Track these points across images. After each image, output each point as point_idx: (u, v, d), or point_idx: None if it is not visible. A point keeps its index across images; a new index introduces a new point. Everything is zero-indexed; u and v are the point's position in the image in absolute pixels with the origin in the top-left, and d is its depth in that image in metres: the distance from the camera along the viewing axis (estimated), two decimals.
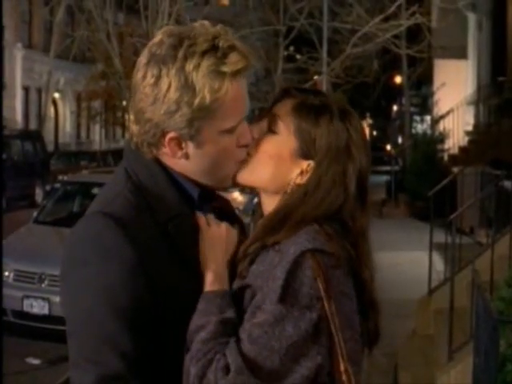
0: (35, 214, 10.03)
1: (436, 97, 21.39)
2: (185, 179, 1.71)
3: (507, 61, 16.61)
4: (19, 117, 33.36)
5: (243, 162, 1.71)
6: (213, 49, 1.60)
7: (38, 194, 22.85)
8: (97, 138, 40.78)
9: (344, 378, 1.56)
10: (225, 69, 1.60)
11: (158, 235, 1.63)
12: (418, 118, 30.45)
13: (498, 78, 16.93)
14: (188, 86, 1.58)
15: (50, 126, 35.49)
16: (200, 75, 1.58)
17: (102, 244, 1.58)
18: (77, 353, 1.59)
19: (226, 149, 1.67)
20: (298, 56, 22.18)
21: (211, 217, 1.74)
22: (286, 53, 20.50)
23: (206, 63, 1.59)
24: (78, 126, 41.05)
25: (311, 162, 1.66)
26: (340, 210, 1.66)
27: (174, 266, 1.64)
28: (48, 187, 19.78)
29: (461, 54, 20.21)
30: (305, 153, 1.67)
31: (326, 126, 1.66)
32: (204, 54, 1.59)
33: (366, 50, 18.10)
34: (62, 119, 39.19)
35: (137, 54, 12.79)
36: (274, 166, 1.68)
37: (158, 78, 1.60)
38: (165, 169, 1.69)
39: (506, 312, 5.34)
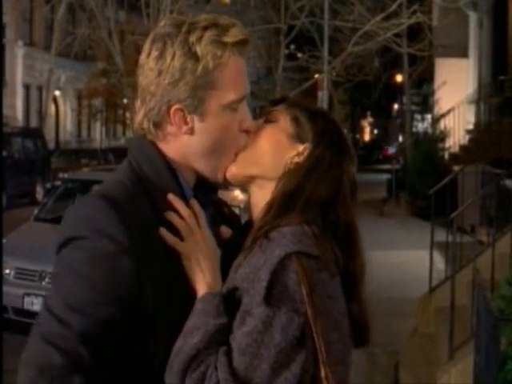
0: (36, 211, 10.04)
1: (437, 95, 21.39)
2: (182, 173, 1.73)
3: (508, 59, 16.62)
4: (20, 115, 33.39)
5: (238, 153, 1.74)
6: (214, 25, 1.68)
7: (39, 192, 22.87)
8: (97, 136, 40.81)
9: (325, 383, 1.56)
10: (226, 39, 1.67)
11: (154, 224, 1.64)
12: (418, 116, 30.46)
13: (499, 77, 16.94)
14: (192, 54, 1.66)
15: (50, 123, 35.50)
16: (203, 44, 1.66)
17: (94, 223, 1.60)
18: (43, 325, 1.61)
19: (228, 127, 1.71)
20: (299, 54, 22.18)
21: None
22: (287, 51, 20.50)
23: (209, 34, 1.67)
24: (79, 123, 41.07)
25: (308, 144, 1.71)
26: (336, 196, 1.68)
27: (167, 256, 1.64)
28: (49, 185, 19.81)
29: (462, 52, 20.22)
30: (301, 138, 1.72)
31: (321, 119, 1.75)
32: (206, 28, 1.67)
33: (367, 48, 18.11)
34: (63, 117, 39.21)
35: (138, 51, 12.80)
36: (273, 151, 1.72)
37: (163, 50, 1.67)
38: (168, 163, 1.72)
39: (507, 311, 5.35)
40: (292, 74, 21.76)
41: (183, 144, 1.71)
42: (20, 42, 33.50)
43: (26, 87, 34.73)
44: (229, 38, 1.67)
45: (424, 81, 28.46)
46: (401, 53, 22.32)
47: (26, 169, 22.44)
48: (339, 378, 1.58)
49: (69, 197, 10.50)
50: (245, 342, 1.51)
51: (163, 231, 1.65)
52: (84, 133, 41.69)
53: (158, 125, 1.71)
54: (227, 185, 1.79)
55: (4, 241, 8.42)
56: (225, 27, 1.68)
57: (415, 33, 20.25)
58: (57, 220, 9.63)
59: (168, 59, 1.66)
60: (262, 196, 1.72)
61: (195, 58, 1.65)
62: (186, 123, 1.69)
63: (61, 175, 11.16)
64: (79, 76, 35.06)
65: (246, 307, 1.55)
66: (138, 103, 1.73)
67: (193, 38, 1.66)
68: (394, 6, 17.01)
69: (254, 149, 1.73)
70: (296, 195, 1.66)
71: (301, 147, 1.71)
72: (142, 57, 1.72)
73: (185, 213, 1.68)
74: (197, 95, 1.67)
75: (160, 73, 1.67)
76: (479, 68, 19.30)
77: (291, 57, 22.65)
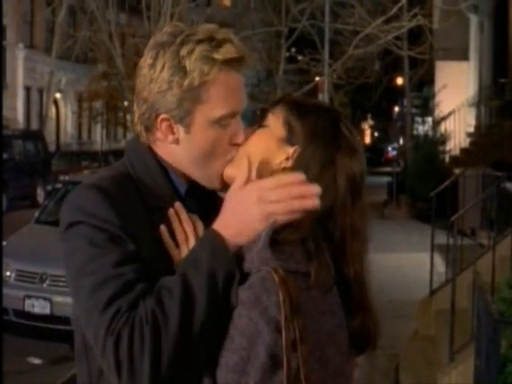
0: (37, 214, 10.05)
1: (437, 98, 21.37)
2: (176, 173, 1.76)
3: (509, 62, 16.64)
4: (21, 117, 33.43)
5: (232, 159, 1.73)
6: (209, 39, 1.69)
7: (40, 194, 22.87)
8: (98, 139, 40.84)
9: None
10: (216, 56, 1.67)
11: (144, 216, 1.68)
12: (419, 119, 30.43)
13: (500, 80, 16.97)
14: (180, 68, 1.67)
15: (51, 126, 35.52)
16: (192, 59, 1.67)
17: (87, 210, 1.63)
18: (85, 299, 1.58)
19: (216, 141, 1.71)
20: (300, 57, 22.20)
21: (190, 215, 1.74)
22: (287, 54, 20.50)
23: (200, 49, 1.67)
24: (80, 126, 41.14)
25: (297, 147, 1.65)
26: (333, 203, 1.62)
27: (156, 247, 1.66)
28: (49, 187, 19.82)
29: (462, 55, 20.23)
30: (291, 140, 1.66)
31: (314, 117, 1.67)
32: (199, 41, 1.68)
33: (368, 51, 18.13)
34: (64, 119, 39.26)
35: (139, 54, 12.79)
36: (262, 156, 1.67)
37: (155, 59, 1.70)
38: (160, 163, 1.75)
39: (507, 313, 5.35)
40: (293, 76, 21.77)
41: (171, 151, 1.74)
42: (21, 45, 33.55)
43: (27, 89, 34.78)
44: (219, 55, 1.67)
45: (424, 83, 28.44)
46: (401, 56, 22.33)
47: (27, 171, 22.45)
48: None
49: None
50: (233, 360, 1.51)
51: (163, 231, 1.67)
52: (85, 135, 41.74)
53: (148, 129, 1.75)
54: (225, 189, 1.78)
55: (5, 243, 8.42)
56: (219, 42, 1.68)
57: (416, 36, 20.27)
58: (58, 223, 9.63)
59: (158, 69, 1.69)
60: None
61: (183, 71, 1.67)
62: (173, 133, 1.72)
63: (61, 177, 11.19)
64: (80, 78, 35.10)
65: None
66: (134, 105, 1.78)
67: (184, 52, 1.67)
68: (394, 9, 17.04)
69: (243, 152, 1.71)
70: None
71: (290, 150, 1.66)
72: (141, 61, 1.75)
73: (184, 218, 1.69)
74: (183, 107, 1.68)
75: (151, 81, 1.70)
76: (480, 71, 19.31)
77: (292, 59, 22.67)
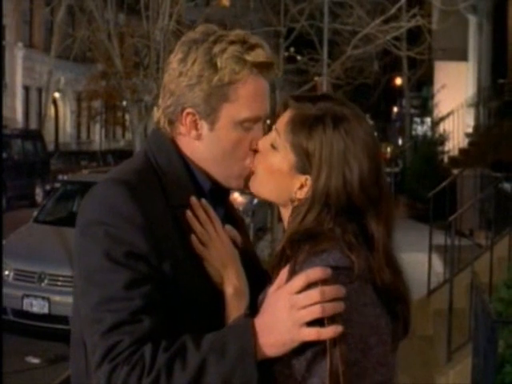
0: (35, 213, 10.05)
1: (436, 99, 21.36)
2: (198, 170, 1.77)
3: (507, 63, 16.64)
4: (19, 116, 33.40)
5: (253, 172, 1.76)
6: (241, 42, 1.73)
7: (38, 194, 22.85)
8: (97, 138, 40.84)
9: None
10: (248, 57, 1.71)
11: (167, 213, 1.68)
12: (418, 119, 30.43)
13: (499, 80, 16.96)
14: (211, 64, 1.71)
15: (50, 125, 35.51)
16: (224, 57, 1.70)
17: (112, 206, 1.63)
18: (89, 308, 1.59)
19: (237, 143, 1.74)
20: (299, 57, 22.17)
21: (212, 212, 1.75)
22: (286, 54, 20.46)
23: (232, 49, 1.71)
24: (79, 125, 41.10)
25: (308, 177, 1.66)
26: (351, 218, 1.64)
27: (179, 244, 1.67)
28: (48, 187, 19.83)
29: (461, 56, 20.21)
30: (302, 168, 1.67)
31: (318, 138, 1.64)
32: (232, 42, 1.72)
33: (367, 51, 18.11)
34: (63, 119, 39.23)
35: (137, 54, 12.79)
36: (276, 181, 1.70)
37: (187, 54, 1.74)
38: (183, 157, 1.76)
39: (505, 313, 5.36)
40: (291, 76, 21.72)
41: (192, 147, 1.76)
42: (20, 44, 33.53)
43: (26, 89, 34.75)
44: (250, 57, 1.71)
45: (423, 84, 28.43)
46: (400, 56, 22.30)
47: (26, 171, 22.43)
48: (380, 381, 1.61)
49: (68, 199, 10.51)
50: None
51: (194, 240, 1.69)
52: (83, 135, 41.71)
53: (172, 122, 1.77)
54: (239, 190, 1.82)
55: (3, 242, 8.43)
56: (251, 46, 1.72)
57: (415, 36, 20.25)
58: (56, 222, 9.65)
59: (189, 63, 1.72)
60: (285, 216, 1.74)
61: (214, 68, 1.70)
62: (196, 128, 1.74)
63: (60, 177, 11.20)
64: (79, 78, 35.07)
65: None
66: (160, 99, 1.80)
67: (216, 49, 1.71)
68: (393, 10, 17.01)
69: (261, 176, 1.74)
70: (311, 232, 1.62)
71: (302, 178, 1.67)
72: (171, 56, 1.79)
73: (202, 218, 1.72)
74: (210, 103, 1.71)
75: (180, 74, 1.73)
76: (479, 71, 19.31)
77: (290, 60, 22.62)
